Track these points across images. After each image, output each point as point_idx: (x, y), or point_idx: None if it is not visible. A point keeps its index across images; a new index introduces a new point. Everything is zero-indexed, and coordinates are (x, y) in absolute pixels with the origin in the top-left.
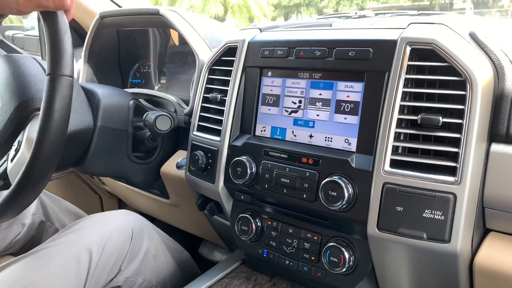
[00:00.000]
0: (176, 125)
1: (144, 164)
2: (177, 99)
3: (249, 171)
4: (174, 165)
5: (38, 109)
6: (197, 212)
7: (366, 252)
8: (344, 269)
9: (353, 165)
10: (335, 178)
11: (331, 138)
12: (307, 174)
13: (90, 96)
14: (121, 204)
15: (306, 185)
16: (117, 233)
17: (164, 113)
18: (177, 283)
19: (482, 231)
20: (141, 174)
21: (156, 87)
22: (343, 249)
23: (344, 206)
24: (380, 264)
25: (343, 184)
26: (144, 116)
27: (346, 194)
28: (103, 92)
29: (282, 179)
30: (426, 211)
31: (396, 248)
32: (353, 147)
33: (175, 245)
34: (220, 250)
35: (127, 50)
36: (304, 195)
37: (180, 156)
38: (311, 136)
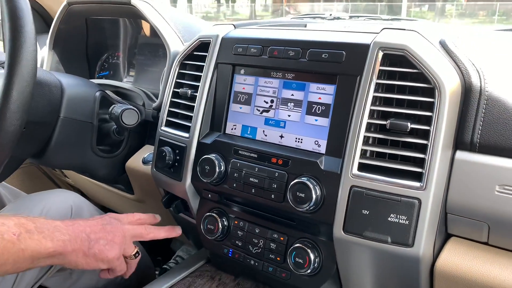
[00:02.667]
0: (143, 119)
1: (109, 158)
2: (145, 92)
3: (217, 170)
4: (140, 160)
5: None
6: (163, 209)
7: (331, 254)
8: (309, 271)
9: (322, 167)
10: (304, 179)
11: (302, 139)
12: (276, 175)
13: (54, 85)
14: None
15: (275, 186)
16: (53, 211)
17: (131, 107)
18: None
19: (444, 236)
20: (105, 168)
21: (125, 79)
22: (309, 251)
23: (311, 208)
24: (344, 266)
25: (311, 186)
26: (110, 109)
27: (314, 196)
28: (68, 82)
29: (251, 179)
30: (392, 215)
31: (361, 251)
32: (323, 149)
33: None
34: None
35: (96, 39)
36: (272, 196)
37: (147, 151)
38: (281, 137)
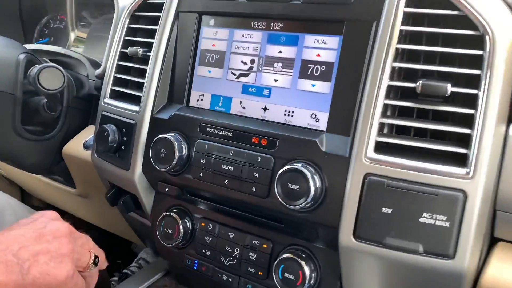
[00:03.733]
0: (87, 93)
1: (39, 141)
2: (90, 60)
3: (177, 154)
4: (81, 145)
5: None
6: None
7: (334, 267)
8: None
9: (323, 149)
10: (298, 165)
11: (293, 112)
12: (259, 160)
13: None
14: (24, 194)
15: (257, 175)
16: None
17: (54, 65)
18: None
19: (488, 241)
20: (34, 154)
21: (72, 49)
22: (303, 263)
23: (308, 205)
24: (352, 284)
25: (308, 174)
26: (28, 71)
27: (313, 188)
28: None
29: (223, 166)
30: (425, 214)
31: (378, 265)
32: (322, 125)
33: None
34: None
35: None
36: (253, 189)
37: (91, 132)
38: (265, 109)
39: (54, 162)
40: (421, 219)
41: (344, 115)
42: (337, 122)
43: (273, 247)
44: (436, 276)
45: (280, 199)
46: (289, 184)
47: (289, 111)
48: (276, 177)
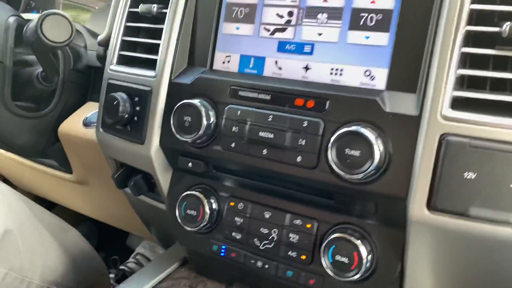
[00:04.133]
0: (85, 65)
1: (32, 119)
2: (89, 30)
3: (205, 122)
4: (81, 122)
5: None
6: (114, 192)
7: (393, 247)
8: (357, 275)
9: (386, 108)
10: (356, 128)
11: (341, 70)
12: (305, 124)
13: None
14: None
15: (303, 142)
16: None
17: (61, 12)
18: (70, 275)
19: None
20: (26, 133)
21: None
22: (358, 243)
23: (370, 174)
24: (418, 265)
25: (371, 137)
26: (24, 28)
27: (377, 153)
28: None
29: (261, 134)
30: None
31: (455, 241)
32: (380, 83)
33: (56, 221)
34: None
35: None
36: (299, 158)
37: (90, 109)
38: (306, 69)
39: (48, 143)
40: None
41: (408, 69)
42: (399, 78)
43: (319, 226)
44: None
45: (336, 168)
46: (347, 149)
47: (336, 69)
48: (331, 142)
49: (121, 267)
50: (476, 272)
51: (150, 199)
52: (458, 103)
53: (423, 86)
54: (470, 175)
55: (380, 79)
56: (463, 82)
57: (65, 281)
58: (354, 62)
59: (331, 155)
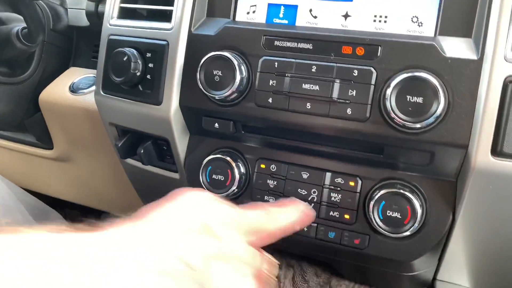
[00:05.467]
0: (66, 25)
1: (7, 85)
2: None
3: (238, 76)
4: (66, 88)
5: None
6: (101, 167)
7: (443, 199)
8: (408, 231)
9: (444, 53)
10: (418, 73)
11: (386, 17)
12: (355, 73)
13: None
14: None
15: (353, 92)
16: None
17: None
18: None
19: None
20: (2, 101)
21: None
22: (411, 196)
23: (431, 121)
24: (473, 217)
25: (434, 82)
26: None
27: (442, 99)
28: None
29: (304, 86)
30: None
31: None
32: (428, 29)
33: (37, 203)
34: None
35: None
36: (349, 110)
37: (75, 75)
38: (346, 16)
39: (27, 113)
40: None
41: (461, 13)
42: (451, 23)
43: (362, 183)
44: None
45: (395, 118)
46: (409, 97)
47: (380, 16)
48: (390, 89)
49: None
50: None
51: (159, 169)
52: None
53: (482, 29)
54: None
55: (428, 25)
56: None
57: None
58: (399, 8)
59: (390, 103)
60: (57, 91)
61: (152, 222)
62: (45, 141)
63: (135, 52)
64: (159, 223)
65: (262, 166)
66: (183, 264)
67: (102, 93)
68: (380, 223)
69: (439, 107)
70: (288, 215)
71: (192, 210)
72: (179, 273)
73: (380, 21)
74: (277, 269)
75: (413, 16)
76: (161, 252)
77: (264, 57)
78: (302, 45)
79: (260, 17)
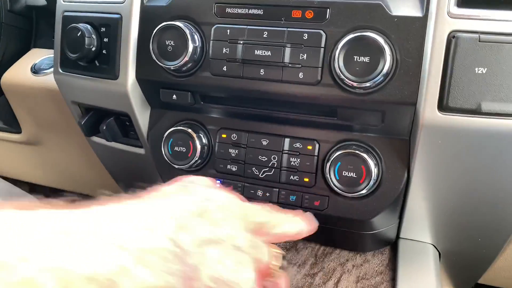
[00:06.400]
0: (24, 5)
1: None
2: None
3: (191, 45)
4: (28, 69)
5: None
6: (73, 148)
7: (398, 157)
8: (365, 190)
9: (390, 12)
10: (364, 33)
11: None
12: (305, 37)
13: None
14: None
15: (304, 56)
16: None
17: None
18: None
19: None
20: None
21: None
22: (365, 156)
23: (379, 80)
24: (426, 173)
25: (381, 41)
26: None
27: (388, 58)
28: None
29: (257, 52)
30: None
31: (468, 140)
32: None
33: (9, 187)
34: None
35: None
36: (301, 74)
37: (37, 56)
38: None
39: None
40: None
41: None
42: None
43: (320, 147)
44: None
45: (344, 78)
46: (355, 57)
47: None
48: (338, 50)
49: None
50: (480, 173)
51: (125, 145)
52: (461, 1)
53: None
54: (481, 70)
55: None
56: None
57: None
58: None
59: (338, 64)
60: (19, 73)
61: (143, 202)
62: (12, 125)
63: (89, 27)
64: (151, 202)
65: (224, 136)
66: (172, 244)
67: (61, 71)
68: (337, 184)
69: (386, 65)
70: (290, 220)
71: (191, 193)
72: (167, 253)
73: None
74: (281, 260)
75: None
76: (149, 229)
77: (217, 25)
78: (253, 11)
79: None
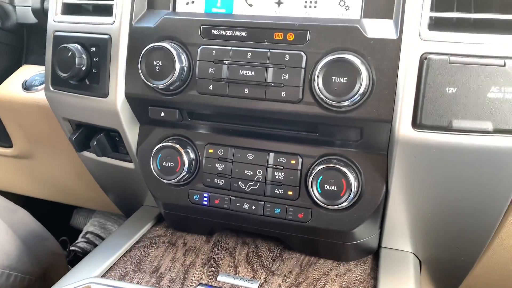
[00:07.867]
0: (15, 23)
1: None
2: None
3: (178, 65)
4: (20, 86)
5: None
6: (64, 162)
7: (377, 172)
8: (346, 202)
9: (366, 34)
10: (342, 55)
11: (315, 2)
12: (287, 58)
13: None
14: None
15: (286, 76)
16: None
17: None
18: (24, 257)
19: None
20: None
21: None
22: (345, 170)
23: (357, 99)
24: (403, 186)
25: (357, 62)
26: None
27: (364, 78)
28: None
29: (241, 72)
30: (492, 89)
31: (439, 156)
32: (354, 12)
33: (1, 201)
34: (111, 217)
35: None
36: (283, 93)
37: (27, 72)
38: (279, 3)
39: None
40: (489, 94)
41: None
42: (375, 5)
43: (303, 161)
44: (504, 158)
45: (323, 98)
46: (334, 77)
47: (310, 2)
48: (317, 71)
49: (72, 248)
50: (453, 186)
51: (114, 160)
52: (435, 24)
53: (400, 10)
54: (451, 90)
55: (355, 8)
56: (432, 6)
57: (19, 264)
58: None
59: (318, 84)
60: (10, 89)
61: None
62: (4, 139)
63: (79, 47)
64: None
65: (210, 151)
66: None
67: (51, 89)
68: (319, 197)
69: (362, 85)
70: None
71: None
72: None
73: (310, 6)
74: None
75: (341, 1)
76: None
77: (203, 46)
78: (237, 33)
79: (199, 7)
